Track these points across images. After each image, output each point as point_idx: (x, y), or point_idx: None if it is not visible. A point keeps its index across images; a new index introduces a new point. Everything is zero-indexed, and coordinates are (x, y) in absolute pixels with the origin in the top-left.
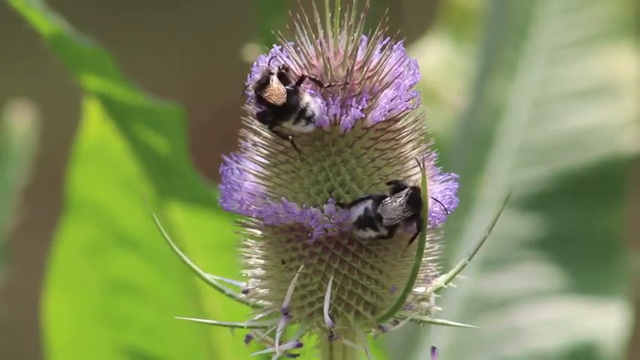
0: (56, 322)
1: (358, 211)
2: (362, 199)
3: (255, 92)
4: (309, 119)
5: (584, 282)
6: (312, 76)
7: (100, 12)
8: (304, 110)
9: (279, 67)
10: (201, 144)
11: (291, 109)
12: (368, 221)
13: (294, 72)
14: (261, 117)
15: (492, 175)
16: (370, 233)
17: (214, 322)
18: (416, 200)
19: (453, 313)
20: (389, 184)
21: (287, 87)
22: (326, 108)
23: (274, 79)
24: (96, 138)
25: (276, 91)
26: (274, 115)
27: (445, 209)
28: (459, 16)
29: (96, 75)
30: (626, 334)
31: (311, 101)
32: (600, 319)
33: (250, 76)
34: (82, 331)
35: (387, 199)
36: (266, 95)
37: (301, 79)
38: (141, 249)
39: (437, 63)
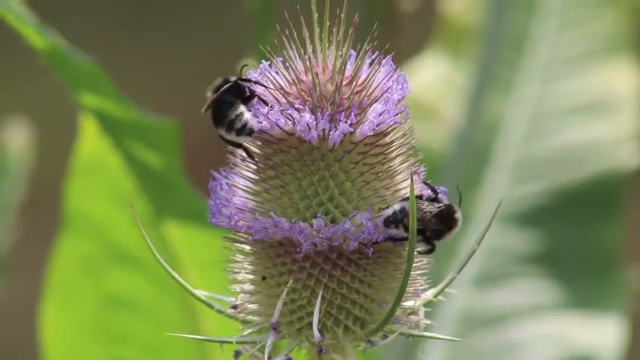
0: (53, 336)
1: (395, 206)
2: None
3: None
4: (240, 131)
5: (581, 297)
6: (259, 94)
7: (100, 28)
8: (233, 121)
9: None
10: (200, 159)
11: (221, 116)
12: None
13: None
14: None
15: (489, 190)
16: (401, 232)
17: (202, 337)
18: (443, 217)
19: (450, 328)
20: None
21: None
22: (315, 122)
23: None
24: (92, 153)
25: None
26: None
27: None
28: (456, 33)
29: (91, 91)
30: (623, 348)
31: (243, 112)
32: (597, 334)
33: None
34: (78, 346)
35: (423, 203)
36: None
37: (251, 95)
38: (137, 264)
39: (434, 79)
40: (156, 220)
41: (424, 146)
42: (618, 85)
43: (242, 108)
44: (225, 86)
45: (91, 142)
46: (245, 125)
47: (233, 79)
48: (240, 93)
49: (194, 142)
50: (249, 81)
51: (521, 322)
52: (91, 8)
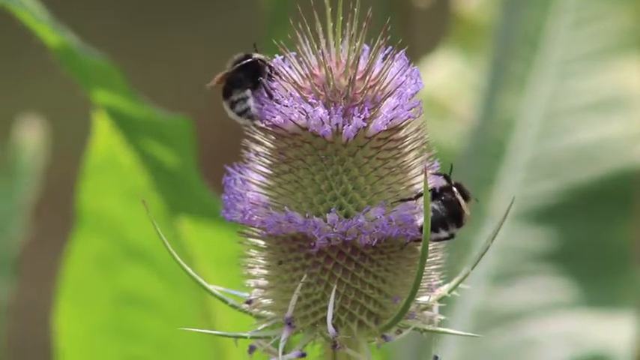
0: (67, 335)
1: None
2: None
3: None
4: (240, 113)
5: (594, 295)
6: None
7: (119, 25)
8: (235, 103)
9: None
10: (214, 157)
11: (228, 93)
12: (440, 222)
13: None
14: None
15: (503, 188)
16: (442, 234)
17: (217, 332)
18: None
19: (465, 326)
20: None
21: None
22: (328, 117)
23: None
24: (105, 151)
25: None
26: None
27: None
28: (469, 31)
29: (104, 88)
30: (636, 346)
31: (247, 98)
32: (611, 332)
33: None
34: (92, 345)
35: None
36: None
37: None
38: (151, 262)
39: (447, 77)
40: (170, 217)
41: (438, 144)
42: (633, 83)
43: (247, 92)
44: (241, 63)
45: (105, 139)
46: (246, 110)
47: (255, 56)
48: (254, 72)
49: (208, 141)
50: (266, 63)
51: (536, 319)
52: (101, 6)
